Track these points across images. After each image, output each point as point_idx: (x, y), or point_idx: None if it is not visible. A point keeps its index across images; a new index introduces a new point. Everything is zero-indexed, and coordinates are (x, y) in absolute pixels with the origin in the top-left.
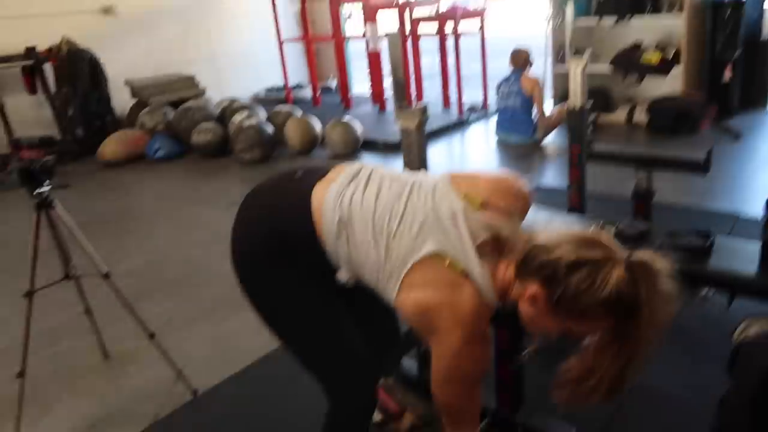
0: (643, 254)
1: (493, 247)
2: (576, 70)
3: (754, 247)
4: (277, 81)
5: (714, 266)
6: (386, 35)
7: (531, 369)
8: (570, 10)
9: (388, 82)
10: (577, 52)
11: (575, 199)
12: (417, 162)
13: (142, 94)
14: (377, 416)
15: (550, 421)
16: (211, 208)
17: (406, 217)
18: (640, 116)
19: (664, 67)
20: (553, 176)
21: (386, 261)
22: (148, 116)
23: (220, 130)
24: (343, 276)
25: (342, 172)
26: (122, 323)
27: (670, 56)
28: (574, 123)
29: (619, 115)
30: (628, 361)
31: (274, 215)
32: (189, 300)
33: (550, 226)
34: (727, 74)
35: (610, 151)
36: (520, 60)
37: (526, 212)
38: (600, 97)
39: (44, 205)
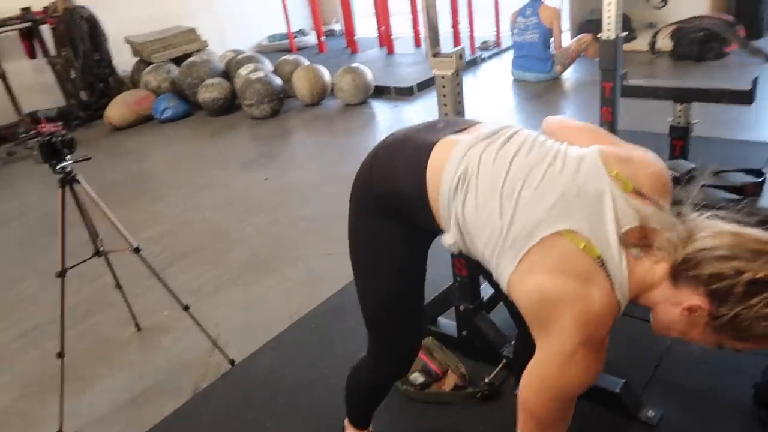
0: None
1: (639, 239)
2: None
3: None
4: (278, 28)
5: (766, 206)
6: None
7: None
8: None
9: (394, 22)
10: None
11: None
12: (454, 112)
13: (143, 51)
14: (420, 378)
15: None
16: (225, 168)
17: (543, 186)
18: (664, 42)
19: None
20: (576, 113)
21: (509, 230)
22: (151, 75)
23: (227, 85)
24: (448, 240)
25: (481, 128)
26: (151, 294)
27: None
28: (607, 56)
29: (641, 43)
30: None
31: (391, 171)
32: (215, 266)
33: (713, 222)
34: None
35: (646, 85)
36: None
37: (670, 203)
38: None
39: (68, 180)
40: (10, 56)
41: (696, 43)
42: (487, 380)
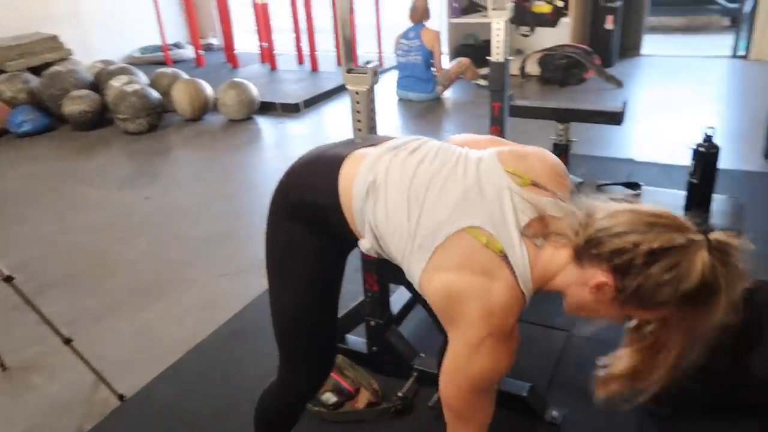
0: (720, 234)
1: (541, 228)
2: (499, 23)
3: (679, 195)
4: (152, 40)
5: None
6: None
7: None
8: None
9: (276, 38)
10: (471, 3)
11: None
12: (367, 127)
13: None
14: (332, 398)
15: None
16: (100, 187)
17: (446, 188)
18: (532, 67)
19: (554, 18)
20: (457, 131)
21: (417, 232)
22: (6, 84)
23: (96, 97)
24: (365, 245)
25: (391, 141)
26: (16, 329)
27: (560, 6)
28: (496, 78)
29: (512, 67)
30: (693, 343)
31: (306, 181)
32: (94, 293)
33: (608, 204)
34: (609, 23)
35: (531, 105)
36: (419, 13)
37: (569, 195)
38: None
39: None
40: None
41: (560, 69)
42: (400, 394)
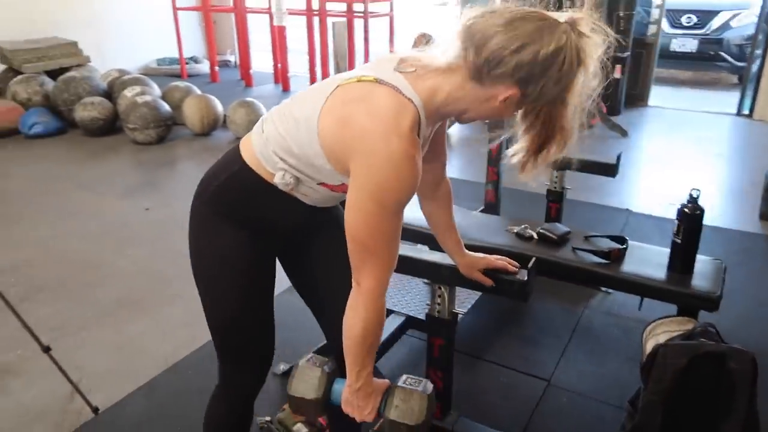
0: (575, 14)
1: (412, 63)
2: None
3: (664, 252)
4: (168, 52)
5: (627, 271)
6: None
7: (459, 375)
8: None
9: (292, 60)
10: None
11: (491, 196)
12: None
13: (13, 59)
14: (303, 429)
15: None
16: (102, 194)
17: (323, 81)
18: None
19: None
20: (462, 167)
21: (305, 110)
22: (21, 86)
23: (109, 106)
24: (278, 177)
25: None
26: (1, 330)
27: None
28: (494, 121)
29: None
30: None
31: (216, 167)
32: (81, 302)
33: (485, 18)
34: (618, 73)
35: None
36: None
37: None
38: None
39: None
40: None
41: None
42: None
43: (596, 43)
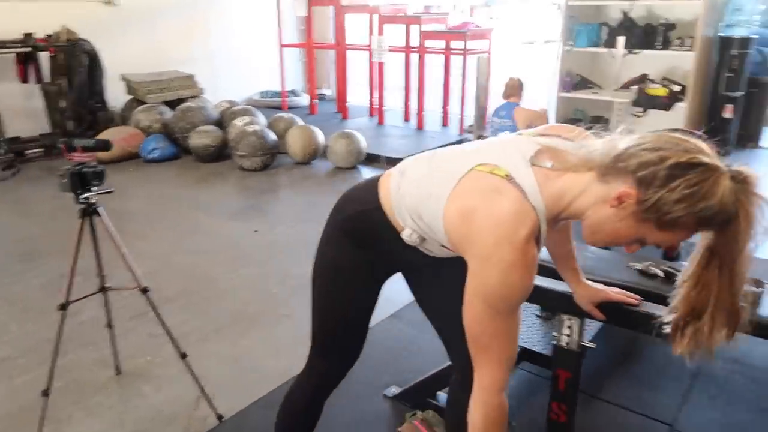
0: (743, 167)
1: (548, 156)
2: (621, 104)
3: None
4: (270, 85)
5: (763, 315)
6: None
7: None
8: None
9: (386, 94)
10: (583, 80)
11: None
12: None
13: (138, 90)
14: None
15: None
16: (212, 215)
17: (460, 148)
18: None
19: (670, 101)
20: None
21: (438, 185)
22: (143, 114)
23: (219, 134)
24: (407, 233)
25: None
26: (131, 336)
27: (676, 91)
28: None
29: None
30: (732, 279)
31: (353, 195)
32: (202, 314)
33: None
34: (729, 112)
35: None
36: (511, 91)
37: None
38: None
39: (90, 211)
40: (1, 78)
41: None
42: None
43: (756, 205)
